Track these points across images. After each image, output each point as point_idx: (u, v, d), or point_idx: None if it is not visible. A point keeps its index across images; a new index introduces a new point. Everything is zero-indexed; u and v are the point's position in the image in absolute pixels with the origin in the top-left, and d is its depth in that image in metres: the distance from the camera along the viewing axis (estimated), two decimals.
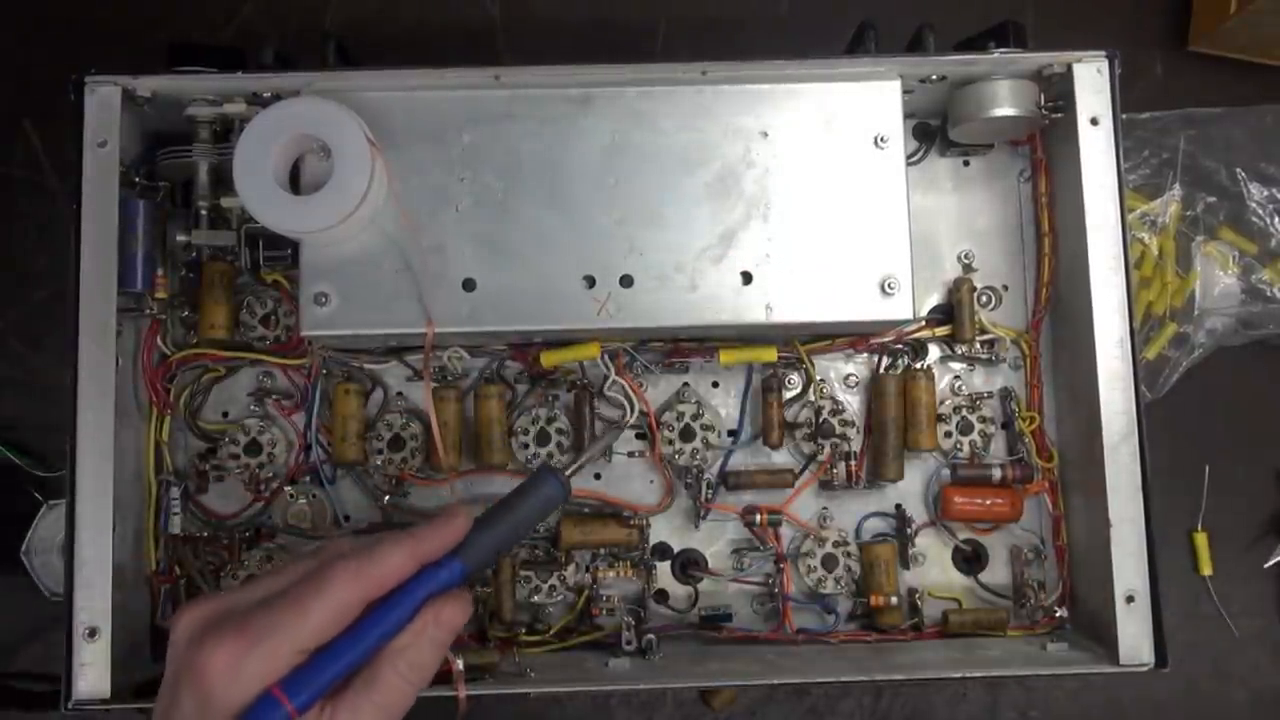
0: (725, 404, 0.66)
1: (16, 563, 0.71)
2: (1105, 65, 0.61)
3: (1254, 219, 0.78)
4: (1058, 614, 0.64)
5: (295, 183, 0.56)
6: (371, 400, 0.65)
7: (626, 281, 0.58)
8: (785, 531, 0.65)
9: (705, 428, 0.63)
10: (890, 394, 0.64)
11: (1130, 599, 0.58)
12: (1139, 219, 0.77)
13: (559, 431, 0.63)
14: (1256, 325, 0.77)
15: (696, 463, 0.64)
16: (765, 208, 0.59)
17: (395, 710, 0.44)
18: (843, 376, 0.66)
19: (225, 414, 0.66)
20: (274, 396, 0.65)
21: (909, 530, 0.65)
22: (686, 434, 0.63)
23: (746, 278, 0.58)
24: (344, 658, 0.43)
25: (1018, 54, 0.61)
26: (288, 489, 0.64)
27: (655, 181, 0.59)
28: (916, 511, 0.66)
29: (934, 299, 0.67)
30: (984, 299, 0.67)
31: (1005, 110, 0.61)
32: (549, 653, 0.64)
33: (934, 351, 0.66)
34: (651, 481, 0.66)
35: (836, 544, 0.65)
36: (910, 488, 0.66)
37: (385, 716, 0.43)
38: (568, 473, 0.51)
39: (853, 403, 0.66)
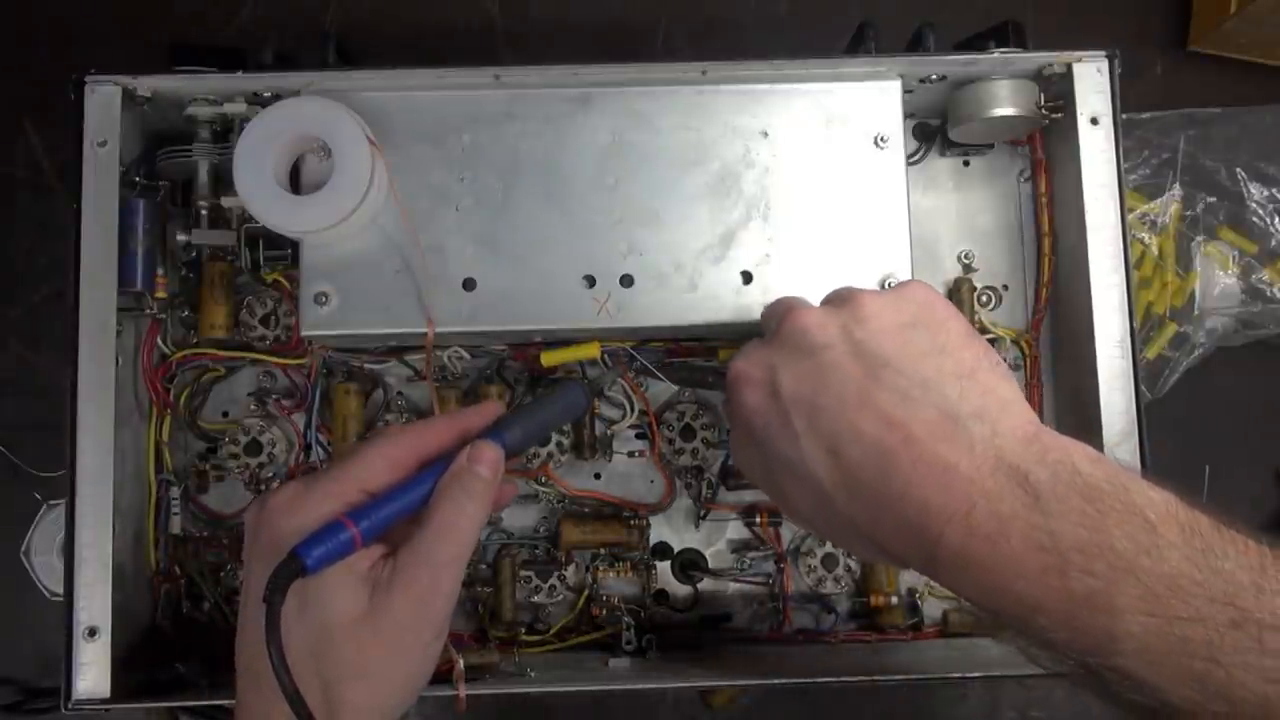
0: None
1: (16, 563, 0.71)
2: (1105, 65, 0.61)
3: (1254, 219, 0.78)
4: None
5: (295, 183, 0.56)
6: (371, 400, 0.65)
7: (626, 281, 0.58)
8: (785, 531, 0.65)
9: (705, 427, 0.63)
10: None
11: None
12: (1139, 219, 0.77)
13: (559, 430, 0.63)
14: (1256, 325, 0.77)
15: (696, 463, 0.64)
16: (765, 207, 0.59)
17: (452, 546, 0.45)
18: None
19: (225, 414, 0.66)
20: (274, 396, 0.65)
21: None
22: (687, 434, 0.63)
23: (746, 277, 0.58)
24: (401, 498, 0.46)
25: (1018, 54, 0.61)
26: None
27: (655, 181, 0.59)
28: None
29: None
30: (984, 299, 0.67)
31: (1005, 110, 0.61)
32: (549, 653, 0.64)
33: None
34: (651, 481, 0.66)
35: None
36: None
37: (441, 552, 0.45)
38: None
39: None
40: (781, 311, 0.47)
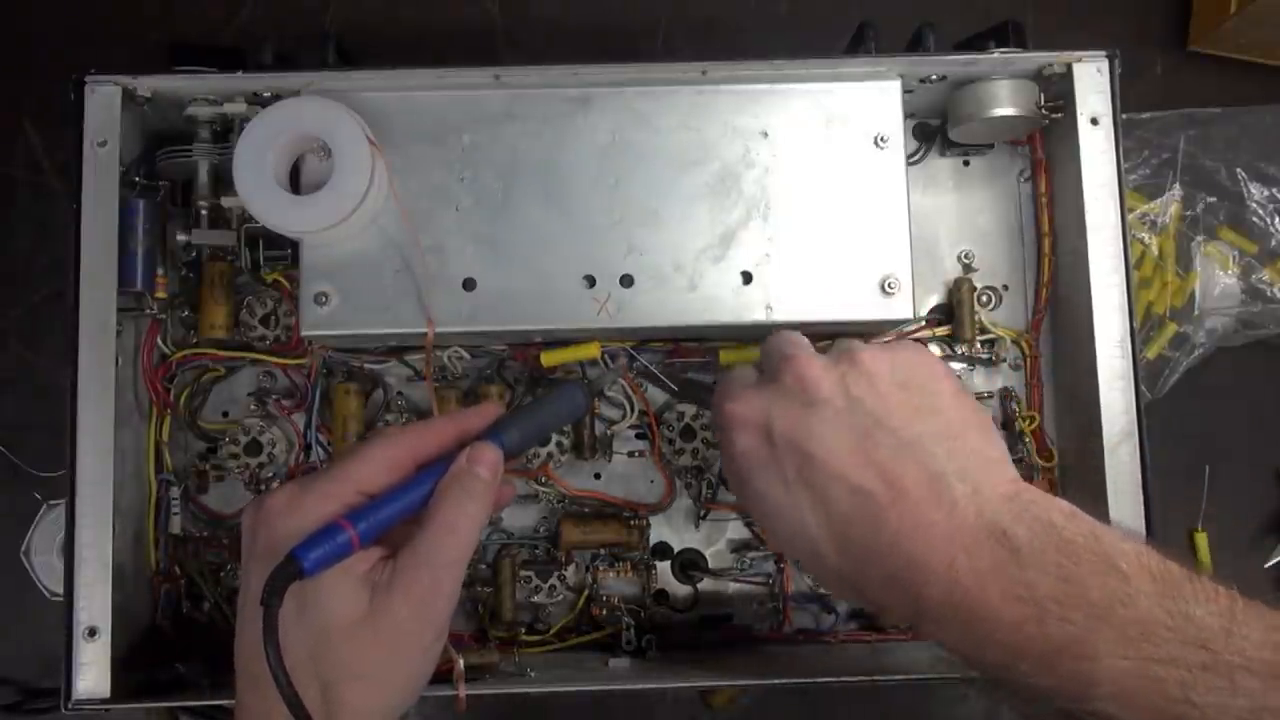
0: None
1: (16, 563, 0.71)
2: (1105, 65, 0.61)
3: (1254, 219, 0.78)
4: None
5: (295, 183, 0.56)
6: (371, 400, 0.65)
7: (626, 281, 0.58)
8: None
9: (705, 427, 0.63)
10: None
11: None
12: (1139, 219, 0.77)
13: (559, 431, 0.63)
14: (1256, 325, 0.77)
15: (696, 463, 0.64)
16: (765, 208, 0.59)
17: (452, 547, 0.45)
18: None
19: (225, 414, 0.66)
20: (274, 396, 0.65)
21: None
22: (687, 434, 0.63)
23: (746, 277, 0.58)
24: (400, 499, 0.45)
25: (1018, 54, 0.61)
26: None
27: (655, 181, 0.59)
28: None
29: (934, 299, 0.67)
30: (984, 299, 0.66)
31: (1005, 110, 0.61)
32: (549, 653, 0.64)
33: (934, 351, 0.66)
34: (652, 481, 0.66)
35: None
36: None
37: (441, 553, 0.45)
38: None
39: None
40: (784, 355, 0.47)
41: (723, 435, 0.48)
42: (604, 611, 0.64)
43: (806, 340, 0.49)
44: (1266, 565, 0.76)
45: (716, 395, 0.50)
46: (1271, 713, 0.36)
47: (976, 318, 0.65)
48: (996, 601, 0.40)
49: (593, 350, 0.61)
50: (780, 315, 0.58)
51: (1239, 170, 0.78)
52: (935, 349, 0.66)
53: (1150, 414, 0.59)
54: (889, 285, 0.58)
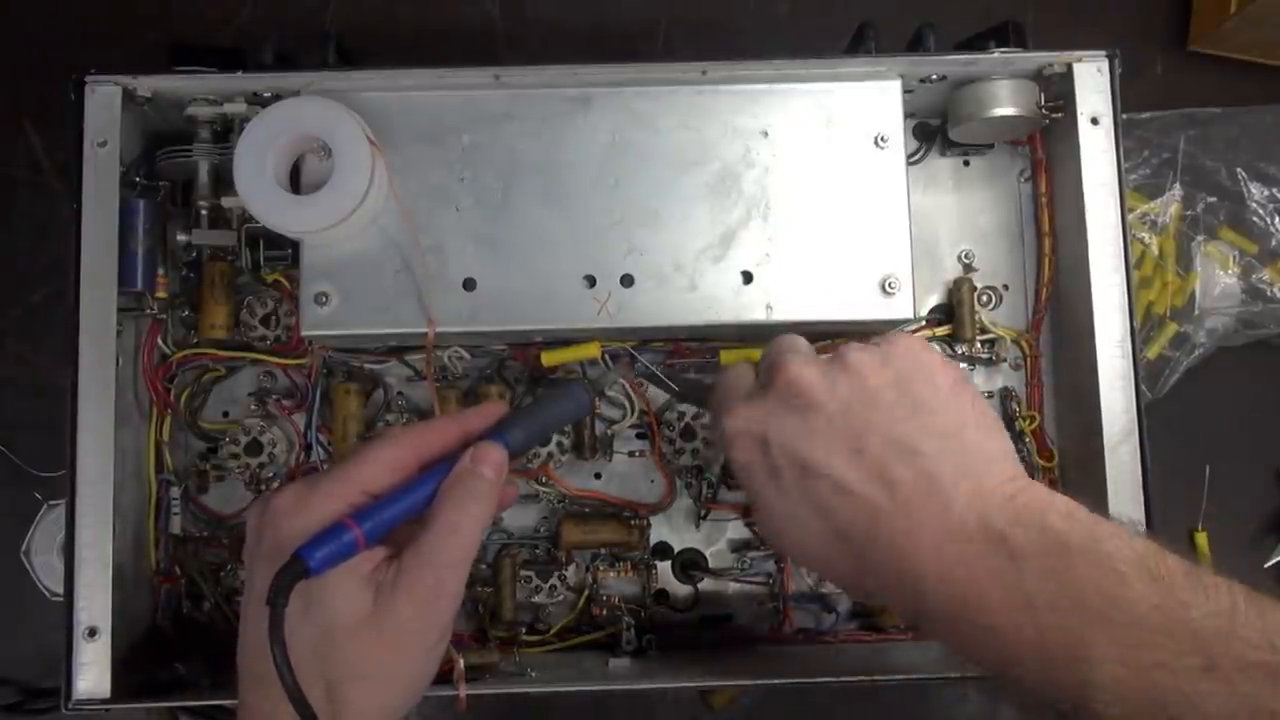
0: None
1: (16, 563, 0.71)
2: (1105, 65, 0.61)
3: (1254, 219, 0.78)
4: None
5: (295, 183, 0.56)
6: (371, 400, 0.65)
7: (626, 281, 0.58)
8: None
9: (706, 427, 0.63)
10: None
11: None
12: (1139, 219, 0.77)
13: (559, 431, 0.63)
14: (1256, 325, 0.77)
15: (697, 462, 0.64)
16: (765, 207, 0.59)
17: (456, 547, 0.45)
18: None
19: (225, 414, 0.66)
20: (274, 396, 0.65)
21: None
22: (687, 434, 0.63)
23: (747, 277, 0.58)
24: (404, 499, 0.46)
25: (1018, 54, 0.61)
26: None
27: (655, 181, 0.59)
28: None
29: (934, 299, 0.67)
30: (984, 299, 0.66)
31: (1005, 110, 0.61)
32: (549, 653, 0.64)
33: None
34: (652, 481, 0.66)
35: None
36: None
37: (445, 553, 0.45)
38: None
39: None
40: (776, 362, 0.47)
41: (728, 452, 0.48)
42: (604, 611, 0.64)
43: (805, 343, 0.49)
44: (1266, 565, 0.76)
45: (713, 402, 0.50)
46: (1271, 715, 0.36)
47: (977, 318, 0.65)
48: (994, 606, 0.40)
49: (593, 350, 0.61)
50: (780, 315, 0.58)
51: (1239, 170, 0.78)
52: (935, 349, 0.66)
53: (1150, 414, 0.59)
54: (889, 285, 0.58)
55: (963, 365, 0.66)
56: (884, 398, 0.44)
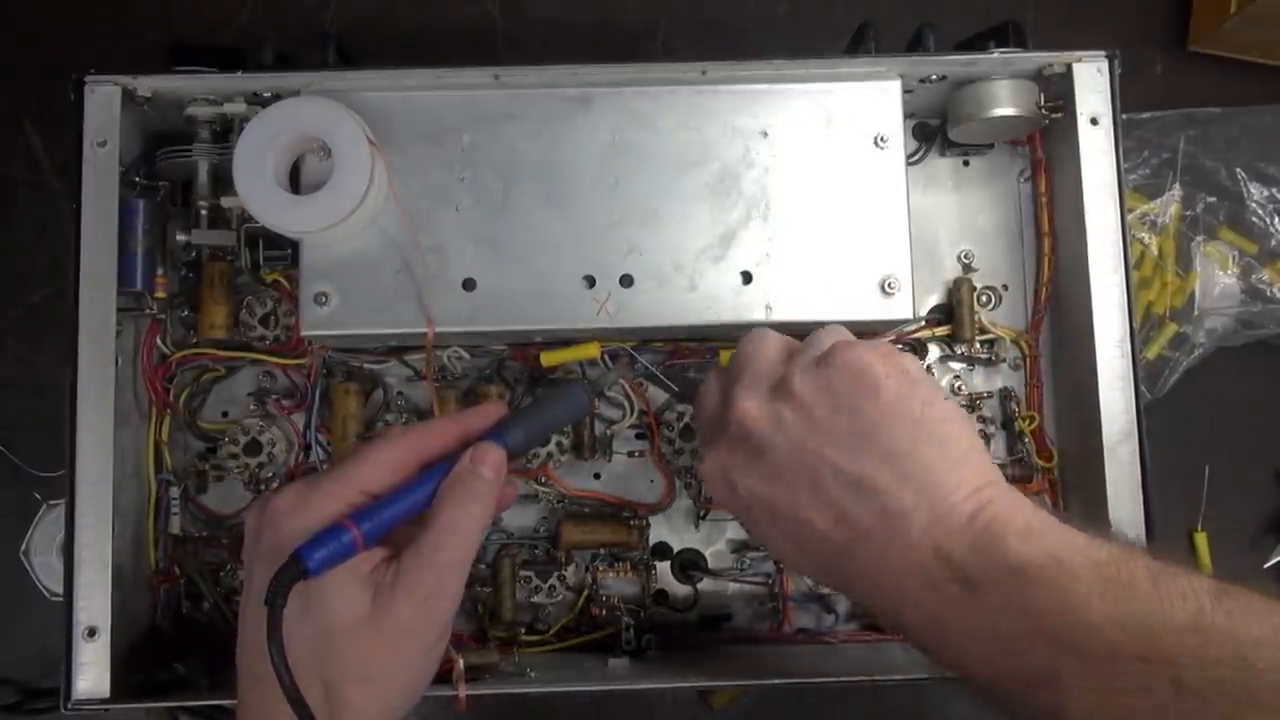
0: None
1: (16, 563, 0.71)
2: (1105, 65, 0.61)
3: (1254, 219, 0.78)
4: None
5: (295, 183, 0.56)
6: (371, 400, 0.65)
7: (626, 281, 0.58)
8: None
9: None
10: None
11: None
12: (1139, 219, 0.77)
13: (559, 431, 0.63)
14: (1256, 325, 0.77)
15: (697, 462, 0.64)
16: (765, 207, 0.59)
17: (456, 547, 0.45)
18: None
19: (225, 414, 0.65)
20: (274, 396, 0.65)
21: None
22: (686, 434, 0.63)
23: (746, 277, 0.58)
24: (403, 500, 0.46)
25: (1018, 54, 0.61)
26: None
27: (655, 181, 0.59)
28: None
29: (934, 299, 0.67)
30: (984, 299, 0.66)
31: (1005, 110, 0.61)
32: (548, 653, 0.64)
33: (934, 351, 0.66)
34: (651, 481, 0.66)
35: None
36: None
37: (444, 554, 0.45)
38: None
39: None
40: (728, 394, 0.47)
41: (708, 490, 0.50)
42: (604, 611, 0.64)
43: (758, 361, 0.48)
44: (1266, 565, 0.76)
45: (697, 427, 0.51)
46: None
47: (976, 318, 0.65)
48: (959, 638, 0.41)
49: (593, 350, 0.61)
50: (780, 315, 0.58)
51: (1239, 170, 0.78)
52: (935, 349, 0.66)
53: (1150, 414, 0.59)
54: (889, 285, 0.58)
55: (962, 365, 0.67)
56: (834, 428, 0.44)
